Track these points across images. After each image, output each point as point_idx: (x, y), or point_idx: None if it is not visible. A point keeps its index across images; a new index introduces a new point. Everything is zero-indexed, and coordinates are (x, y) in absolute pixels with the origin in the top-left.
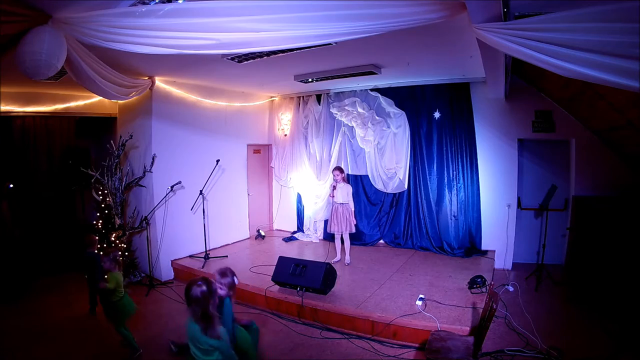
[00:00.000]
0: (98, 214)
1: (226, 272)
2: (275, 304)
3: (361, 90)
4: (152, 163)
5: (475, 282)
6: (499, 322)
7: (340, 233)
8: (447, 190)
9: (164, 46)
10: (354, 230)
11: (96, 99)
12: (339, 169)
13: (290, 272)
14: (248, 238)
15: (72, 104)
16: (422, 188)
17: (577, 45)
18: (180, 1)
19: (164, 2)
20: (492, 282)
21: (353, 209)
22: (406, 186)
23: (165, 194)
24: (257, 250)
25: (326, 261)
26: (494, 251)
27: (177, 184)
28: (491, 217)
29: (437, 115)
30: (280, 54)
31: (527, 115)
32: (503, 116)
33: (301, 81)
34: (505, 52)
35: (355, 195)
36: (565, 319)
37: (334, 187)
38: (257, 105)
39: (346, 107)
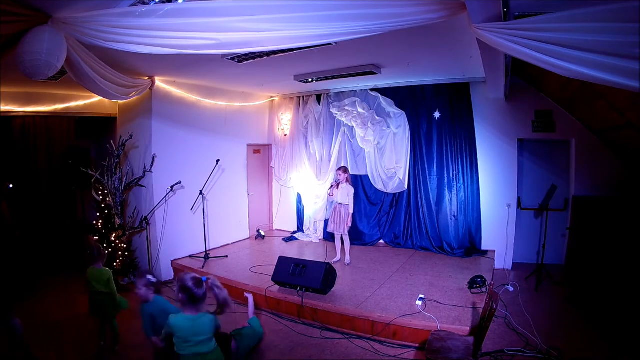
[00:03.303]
0: (98, 214)
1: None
2: (275, 304)
3: (361, 90)
4: (152, 163)
5: (475, 282)
6: (499, 322)
7: (338, 233)
8: (447, 190)
9: (164, 46)
10: (346, 232)
11: (96, 99)
12: (343, 168)
13: (290, 272)
14: (248, 238)
15: (72, 104)
16: (422, 188)
17: (577, 45)
18: (180, 1)
19: (164, 2)
20: (492, 282)
21: (351, 212)
22: (406, 186)
23: (165, 194)
24: (257, 250)
25: (326, 261)
26: (494, 251)
27: (177, 184)
28: (491, 217)
29: (437, 115)
30: (280, 54)
31: (527, 115)
32: (503, 116)
33: (301, 81)
34: (505, 52)
35: (355, 196)
36: (565, 319)
37: (337, 186)
38: (257, 105)
39: (346, 107)
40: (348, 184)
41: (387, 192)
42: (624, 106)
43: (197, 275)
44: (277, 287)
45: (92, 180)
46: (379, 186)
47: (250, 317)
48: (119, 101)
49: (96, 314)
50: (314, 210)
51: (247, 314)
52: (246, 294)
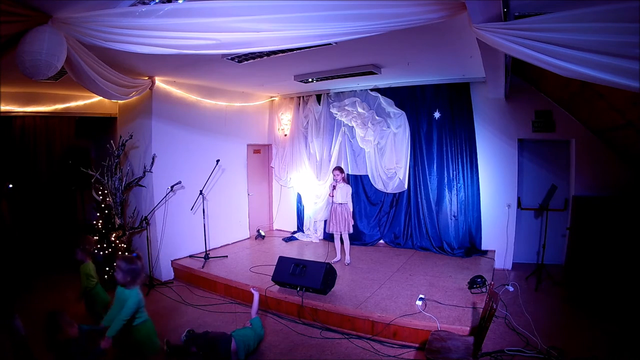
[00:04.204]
0: (98, 214)
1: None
2: (275, 304)
3: (361, 90)
4: (152, 163)
5: (475, 282)
6: (499, 322)
7: (339, 233)
8: (447, 190)
9: (164, 46)
10: (351, 231)
11: (96, 99)
12: (339, 168)
13: (290, 272)
14: (248, 238)
15: (72, 104)
16: (422, 188)
17: (577, 45)
18: (180, 1)
19: (164, 2)
20: (492, 282)
21: (352, 210)
22: (406, 186)
23: (165, 194)
24: (257, 250)
25: (326, 261)
26: (494, 251)
27: (177, 184)
28: (491, 217)
29: (437, 115)
30: (280, 54)
31: (527, 115)
32: (503, 116)
33: (301, 81)
34: (505, 52)
35: (355, 195)
36: (565, 319)
37: (334, 187)
38: (257, 105)
39: (346, 107)
40: (345, 182)
41: (387, 192)
42: (624, 106)
43: (128, 255)
44: (277, 287)
45: (92, 180)
46: (379, 186)
47: (253, 317)
48: (119, 101)
49: (91, 310)
50: (314, 210)
51: (248, 314)
52: (253, 290)
